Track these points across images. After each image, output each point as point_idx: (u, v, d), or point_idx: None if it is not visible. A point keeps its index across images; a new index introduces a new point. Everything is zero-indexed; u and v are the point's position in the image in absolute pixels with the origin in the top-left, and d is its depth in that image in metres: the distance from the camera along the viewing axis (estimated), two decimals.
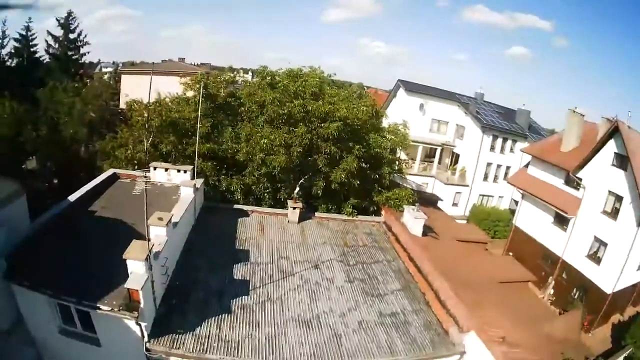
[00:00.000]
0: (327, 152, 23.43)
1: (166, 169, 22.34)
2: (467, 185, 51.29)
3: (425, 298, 18.18)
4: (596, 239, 31.94)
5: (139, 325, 12.50)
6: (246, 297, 15.98)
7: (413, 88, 53.55)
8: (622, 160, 30.64)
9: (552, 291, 34.65)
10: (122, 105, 39.86)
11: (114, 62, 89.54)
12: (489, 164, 51.80)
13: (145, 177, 13.54)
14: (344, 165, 23.46)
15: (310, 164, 24.03)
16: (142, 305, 12.22)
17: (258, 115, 25.24)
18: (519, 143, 51.92)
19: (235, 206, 23.25)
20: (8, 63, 51.51)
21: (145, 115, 24.77)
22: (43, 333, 14.36)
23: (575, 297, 33.06)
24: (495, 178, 53.00)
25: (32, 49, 52.65)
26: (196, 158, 21.37)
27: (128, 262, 12.19)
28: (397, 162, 29.06)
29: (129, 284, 11.96)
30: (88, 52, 56.12)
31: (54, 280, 13.11)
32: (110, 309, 12.21)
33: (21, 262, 13.51)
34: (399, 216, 24.66)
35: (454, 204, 50.83)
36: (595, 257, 31.83)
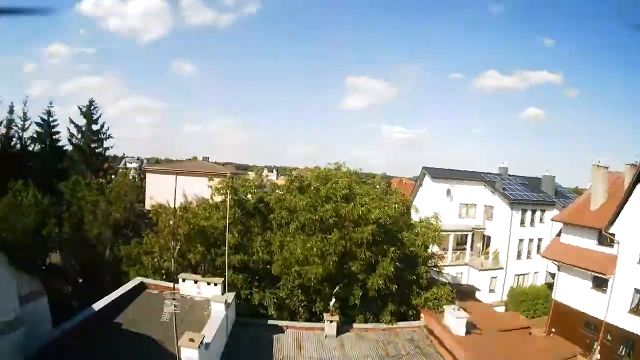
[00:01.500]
0: (362, 257, 22.72)
1: (196, 281, 21.96)
2: (502, 268, 50.15)
3: None
4: (637, 291, 31.14)
5: None
6: None
7: (438, 174, 53.76)
8: None
9: (598, 356, 33.21)
10: (147, 206, 39.87)
11: (138, 158, 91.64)
12: (520, 241, 50.98)
13: (174, 299, 13.03)
14: (380, 270, 22.80)
15: (346, 272, 23.38)
16: None
17: (289, 222, 24.79)
18: (548, 212, 51.45)
19: (270, 321, 22.53)
20: (30, 148, 52.44)
21: (172, 223, 24.61)
22: None
23: (623, 353, 31.80)
24: (529, 254, 51.92)
25: (54, 137, 53.39)
26: (226, 270, 20.88)
27: None
28: (431, 259, 28.66)
29: None
30: (112, 147, 57.12)
31: None
32: None
33: None
34: (439, 317, 23.75)
35: (491, 290, 49.50)
36: (637, 310, 30.98)
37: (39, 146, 52.86)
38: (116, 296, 19.92)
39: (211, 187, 26.46)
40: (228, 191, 24.10)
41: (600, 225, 33.82)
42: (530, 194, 53.10)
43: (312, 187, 24.65)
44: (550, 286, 44.10)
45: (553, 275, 42.27)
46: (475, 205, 53.47)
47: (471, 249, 52.54)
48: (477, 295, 34.44)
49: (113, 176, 54.77)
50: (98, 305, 18.39)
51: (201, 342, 14.34)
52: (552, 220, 44.61)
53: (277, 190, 27.80)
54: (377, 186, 32.35)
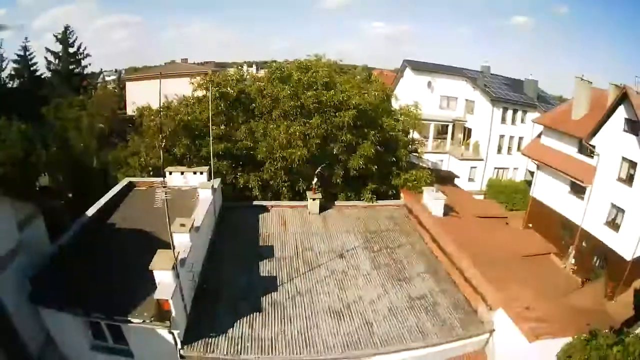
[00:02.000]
0: (343, 140, 23.51)
1: (182, 172, 22.25)
2: (482, 159, 51.10)
3: (451, 278, 18.16)
4: (613, 206, 31.60)
5: (172, 333, 12.53)
6: (275, 293, 16.08)
7: (419, 67, 53.35)
8: (634, 126, 30.23)
9: (573, 260, 34.18)
10: (130, 113, 39.81)
11: (116, 70, 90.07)
12: (501, 136, 51.58)
13: (164, 187, 13.46)
14: (361, 152, 23.59)
15: (328, 153, 24.04)
16: (173, 314, 12.22)
17: (271, 110, 25.07)
18: (530, 113, 51.48)
19: (255, 202, 23.21)
20: (9, 85, 51.82)
21: (157, 121, 24.74)
22: (75, 351, 14.28)
23: (597, 265, 32.77)
24: (509, 150, 52.76)
25: (32, 68, 52.96)
26: (211, 159, 21.29)
27: (155, 272, 12.08)
28: (411, 144, 29.19)
29: (158, 294, 11.90)
30: (89, 64, 56.45)
31: (82, 298, 12.97)
32: (142, 321, 12.13)
33: (46, 283, 13.49)
34: (418, 198, 24.50)
35: (470, 179, 50.69)
36: (613, 224, 31.51)
37: (19, 81, 52.07)
38: (107, 199, 20.24)
39: (192, 83, 26.46)
40: (209, 85, 24.08)
41: (581, 134, 34.26)
42: (512, 94, 53.18)
43: (293, 77, 24.84)
44: (529, 183, 45.45)
45: (532, 174, 43.44)
46: (457, 98, 53.65)
47: (452, 139, 53.34)
48: (456, 182, 35.14)
49: (93, 92, 54.35)
50: (91, 211, 18.72)
51: (192, 226, 14.81)
52: (533, 121, 45.10)
53: (258, 82, 27.76)
54: (358, 76, 32.49)
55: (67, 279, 13.92)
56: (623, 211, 30.58)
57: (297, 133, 22.71)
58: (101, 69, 69.82)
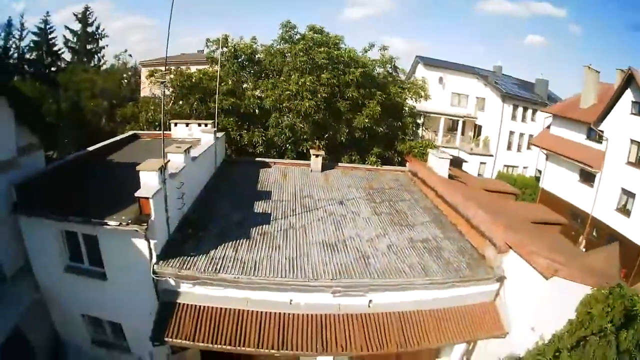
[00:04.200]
0: (350, 96, 22.55)
1: (187, 124, 21.54)
2: (492, 155, 48.60)
3: (457, 228, 16.38)
4: (624, 191, 29.78)
5: (148, 241, 11.05)
6: (267, 225, 14.50)
7: (431, 62, 51.05)
8: None
9: (584, 250, 31.56)
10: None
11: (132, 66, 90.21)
12: (511, 133, 49.12)
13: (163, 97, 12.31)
14: (367, 111, 22.50)
15: (334, 109, 23.04)
16: (152, 218, 10.87)
17: (281, 68, 24.36)
18: (540, 112, 48.47)
19: (257, 159, 22.11)
20: (27, 56, 50.65)
21: (166, 75, 23.82)
22: (49, 274, 12.79)
23: None
24: (519, 147, 50.22)
25: (50, 42, 51.57)
26: (216, 111, 20.07)
27: (141, 174, 11.24)
28: (420, 117, 28.25)
29: (140, 193, 10.87)
30: (107, 45, 55.02)
31: (62, 206, 11.74)
32: (118, 223, 10.78)
33: (30, 194, 12.24)
34: (424, 164, 22.78)
35: (480, 175, 47.74)
36: (624, 210, 29.67)
37: (36, 53, 51.12)
38: (110, 142, 19.35)
39: (209, 45, 26.20)
40: (222, 42, 23.85)
41: (589, 120, 32.60)
42: (522, 91, 51.18)
43: (307, 35, 24.28)
44: (539, 180, 43.14)
45: (541, 172, 41.55)
46: (467, 96, 50.99)
47: (462, 135, 50.82)
48: (465, 168, 33.23)
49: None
50: (92, 148, 17.81)
51: (187, 150, 14.21)
52: (543, 111, 43.29)
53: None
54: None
55: (53, 192, 12.73)
56: (634, 195, 28.76)
57: (308, 83, 21.78)
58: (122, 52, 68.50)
